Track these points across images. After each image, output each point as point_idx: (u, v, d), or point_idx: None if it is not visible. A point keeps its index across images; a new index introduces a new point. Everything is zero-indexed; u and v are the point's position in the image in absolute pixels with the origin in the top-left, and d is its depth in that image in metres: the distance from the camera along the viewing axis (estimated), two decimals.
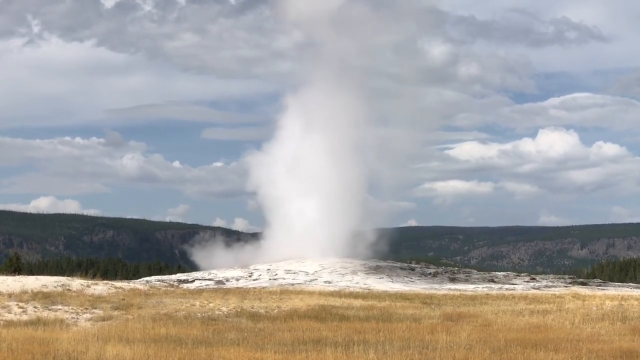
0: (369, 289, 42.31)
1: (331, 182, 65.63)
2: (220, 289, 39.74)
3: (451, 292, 40.19)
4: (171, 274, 60.88)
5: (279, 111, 72.40)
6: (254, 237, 69.27)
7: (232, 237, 69.97)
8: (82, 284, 32.72)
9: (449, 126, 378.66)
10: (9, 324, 22.29)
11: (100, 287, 32.63)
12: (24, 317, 23.70)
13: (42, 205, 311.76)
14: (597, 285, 51.83)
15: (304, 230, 62.24)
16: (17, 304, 25.60)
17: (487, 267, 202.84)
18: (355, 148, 69.45)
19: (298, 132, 68.19)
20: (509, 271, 72.34)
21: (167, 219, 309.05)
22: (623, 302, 32.01)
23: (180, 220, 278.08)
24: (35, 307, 25.42)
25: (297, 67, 74.97)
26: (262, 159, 69.91)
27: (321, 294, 35.22)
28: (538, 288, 47.32)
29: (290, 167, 67.00)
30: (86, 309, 25.61)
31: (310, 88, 69.38)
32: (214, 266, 59.57)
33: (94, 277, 40.33)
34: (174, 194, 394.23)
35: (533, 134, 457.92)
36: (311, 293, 35.28)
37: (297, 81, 73.65)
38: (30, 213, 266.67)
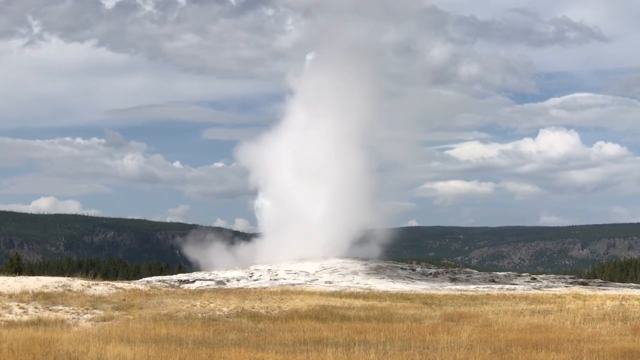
0: (370, 289, 42.32)
1: (337, 177, 64.65)
2: (221, 289, 39.76)
3: (452, 292, 40.20)
4: (172, 274, 60.86)
5: (284, 98, 71.40)
6: (255, 237, 68.74)
7: (233, 237, 69.46)
8: (82, 285, 32.72)
9: (449, 126, 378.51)
10: (10, 324, 22.29)
11: (101, 288, 32.63)
12: (25, 318, 23.70)
13: (42, 205, 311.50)
14: (597, 285, 51.84)
15: (307, 229, 61.52)
16: (18, 305, 25.60)
17: (488, 267, 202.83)
18: (362, 140, 68.40)
19: (303, 120, 66.96)
20: (509, 271, 72.35)
21: (168, 220, 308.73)
22: (624, 302, 32.00)
23: (180, 221, 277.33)
24: (36, 308, 25.42)
25: (307, 51, 72.47)
26: (262, 152, 69.03)
27: (322, 294, 35.23)
28: (539, 288, 47.34)
29: (293, 155, 65.65)
30: (87, 309, 25.60)
31: (318, 73, 68.30)
32: (212, 266, 59.37)
33: (94, 277, 40.32)
34: (174, 194, 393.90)
35: (534, 134, 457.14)
36: (312, 293, 35.30)
37: (306, 66, 71.60)
38: (31, 213, 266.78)
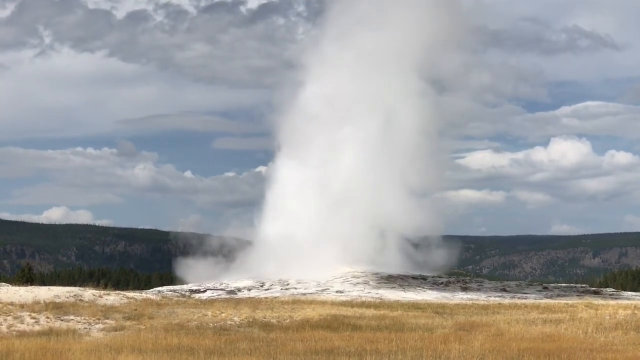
0: (381, 299, 42.25)
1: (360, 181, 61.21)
2: (232, 299, 39.74)
3: (463, 302, 40.10)
4: (183, 284, 60.73)
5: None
6: (266, 246, 67.59)
7: (244, 246, 68.28)
8: (94, 295, 32.75)
9: (460, 135, 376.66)
10: (22, 334, 22.33)
11: (112, 298, 32.65)
12: (37, 328, 23.74)
13: (54, 215, 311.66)
14: (609, 294, 51.63)
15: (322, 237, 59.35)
16: (30, 315, 25.64)
17: (499, 276, 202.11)
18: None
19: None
20: (521, 280, 72.09)
21: (179, 229, 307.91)
22: (636, 311, 31.85)
23: (192, 231, 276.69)
24: (47, 318, 25.45)
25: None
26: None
27: (333, 303, 35.16)
28: (550, 297, 47.20)
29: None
30: (98, 319, 25.63)
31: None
32: (222, 276, 58.58)
33: (106, 287, 40.31)
34: (185, 204, 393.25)
35: (545, 143, 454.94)
36: (323, 303, 35.23)
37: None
38: (43, 223, 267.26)
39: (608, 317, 29.09)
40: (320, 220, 59.98)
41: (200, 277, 57.02)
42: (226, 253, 64.66)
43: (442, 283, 54.03)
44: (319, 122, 62.65)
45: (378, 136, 62.91)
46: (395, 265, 58.62)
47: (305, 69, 65.39)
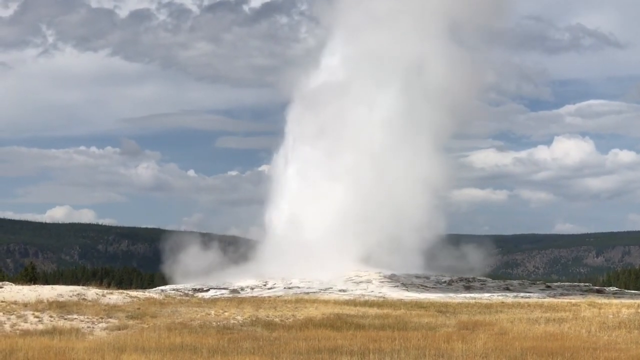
0: (384, 298, 42.24)
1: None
2: (235, 298, 39.75)
3: (466, 301, 40.07)
4: (186, 283, 60.63)
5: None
6: (268, 244, 67.34)
7: (246, 245, 67.84)
8: (97, 294, 32.76)
9: (464, 134, 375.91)
10: (25, 333, 22.35)
11: (116, 297, 32.66)
12: (40, 327, 23.76)
13: (57, 214, 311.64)
14: (613, 293, 51.60)
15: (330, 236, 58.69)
16: (33, 314, 25.66)
17: (502, 275, 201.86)
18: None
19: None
20: (524, 279, 72.02)
21: (182, 228, 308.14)
22: (639, 310, 31.82)
23: (195, 229, 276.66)
24: (51, 317, 25.47)
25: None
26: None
27: (336, 302, 35.15)
28: (553, 296, 47.20)
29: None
30: (101, 318, 25.64)
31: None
32: (224, 275, 58.30)
33: (109, 286, 40.33)
34: (188, 203, 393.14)
35: (548, 142, 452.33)
36: (326, 302, 35.21)
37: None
38: (46, 222, 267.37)
39: (611, 316, 29.07)
40: (330, 217, 59.65)
41: (199, 276, 56.92)
42: (229, 251, 64.64)
43: (445, 282, 54.04)
44: (335, 92, 61.56)
45: (399, 114, 62.14)
46: (414, 265, 58.15)
47: (327, 30, 65.08)
